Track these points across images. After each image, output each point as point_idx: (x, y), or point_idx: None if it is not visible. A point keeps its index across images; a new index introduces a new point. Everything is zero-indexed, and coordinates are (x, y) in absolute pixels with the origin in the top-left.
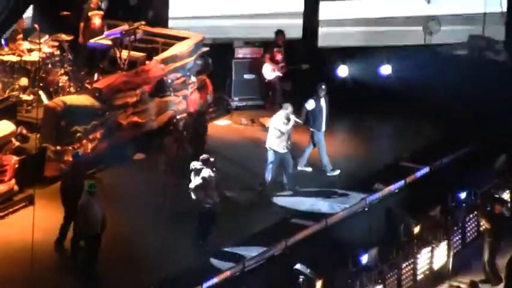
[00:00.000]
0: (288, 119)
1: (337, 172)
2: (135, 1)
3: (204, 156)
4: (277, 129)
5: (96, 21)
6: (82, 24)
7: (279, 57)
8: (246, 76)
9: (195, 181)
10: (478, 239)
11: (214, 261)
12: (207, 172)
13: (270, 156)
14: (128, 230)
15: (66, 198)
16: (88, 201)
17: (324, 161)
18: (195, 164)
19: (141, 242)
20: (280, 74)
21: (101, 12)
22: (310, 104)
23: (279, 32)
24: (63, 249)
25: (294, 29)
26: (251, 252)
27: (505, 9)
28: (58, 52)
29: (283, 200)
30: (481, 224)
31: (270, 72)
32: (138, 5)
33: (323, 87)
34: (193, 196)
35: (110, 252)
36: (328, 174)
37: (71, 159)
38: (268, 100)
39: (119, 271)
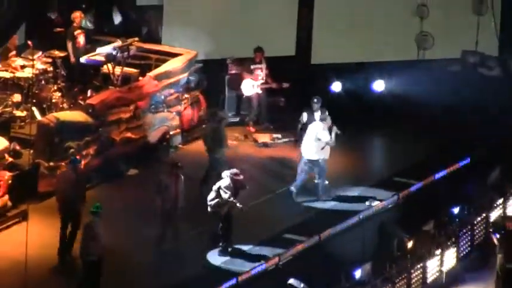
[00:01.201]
0: (330, 129)
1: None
2: (119, 19)
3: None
4: (319, 138)
5: (81, 39)
6: (70, 44)
7: (258, 73)
8: (240, 92)
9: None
10: (472, 253)
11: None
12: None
13: (304, 166)
14: (121, 245)
15: (62, 205)
16: (93, 222)
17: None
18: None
19: (134, 257)
20: (259, 91)
21: (84, 31)
22: (303, 117)
23: (258, 49)
24: (60, 264)
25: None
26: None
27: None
28: (51, 68)
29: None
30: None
31: (250, 88)
32: (132, 22)
33: (315, 100)
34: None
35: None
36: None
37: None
38: (250, 117)
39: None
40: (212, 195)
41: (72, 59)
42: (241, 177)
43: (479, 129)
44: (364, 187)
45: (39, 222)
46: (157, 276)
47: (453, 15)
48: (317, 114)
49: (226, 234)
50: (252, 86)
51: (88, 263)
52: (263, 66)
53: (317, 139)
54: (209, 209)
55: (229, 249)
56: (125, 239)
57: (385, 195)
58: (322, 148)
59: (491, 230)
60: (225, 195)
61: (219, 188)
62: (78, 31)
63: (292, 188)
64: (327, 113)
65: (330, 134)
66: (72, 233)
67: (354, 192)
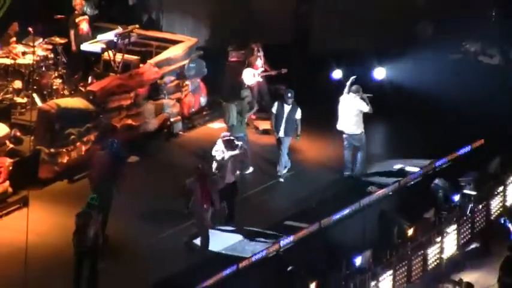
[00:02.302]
0: (364, 99)
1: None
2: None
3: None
4: (360, 110)
5: (84, 26)
6: (72, 31)
7: (258, 62)
8: (240, 79)
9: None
10: (472, 241)
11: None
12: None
13: (346, 142)
14: (122, 233)
15: (96, 185)
16: (87, 213)
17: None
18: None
19: (135, 245)
20: (260, 79)
21: (86, 17)
22: (274, 108)
23: (256, 38)
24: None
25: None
26: None
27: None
28: (52, 55)
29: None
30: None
31: (250, 77)
32: (132, 9)
33: (289, 94)
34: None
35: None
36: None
37: (64, 161)
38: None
39: (115, 273)
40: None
41: (74, 47)
42: (232, 138)
43: (479, 117)
44: (364, 175)
45: (39, 209)
46: (157, 264)
47: (453, 2)
48: (287, 107)
49: (228, 213)
50: (252, 75)
51: (81, 253)
52: (261, 54)
53: (359, 112)
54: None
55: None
56: (125, 227)
57: (385, 182)
58: (360, 121)
59: (503, 217)
60: (215, 152)
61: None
62: (80, 18)
63: (346, 172)
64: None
65: (366, 103)
66: (104, 215)
67: (354, 179)
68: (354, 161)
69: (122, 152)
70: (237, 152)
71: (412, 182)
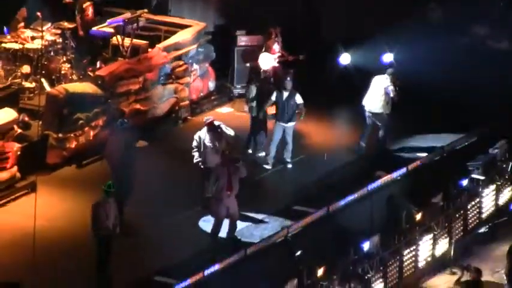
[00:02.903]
0: (395, 84)
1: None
2: None
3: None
4: (387, 92)
5: (90, 11)
6: (79, 17)
7: (276, 47)
8: (248, 64)
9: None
10: (480, 226)
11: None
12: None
13: (369, 120)
14: (131, 218)
15: (114, 168)
16: (104, 200)
17: (269, 152)
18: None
19: (144, 229)
20: (277, 64)
21: (92, 3)
22: (273, 96)
23: (274, 24)
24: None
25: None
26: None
27: None
28: (60, 40)
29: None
30: None
31: (266, 62)
32: None
33: (288, 79)
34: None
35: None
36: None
37: (72, 146)
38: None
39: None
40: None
41: (81, 32)
42: (212, 120)
43: (487, 102)
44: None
45: (47, 194)
46: (166, 249)
47: None
48: (285, 94)
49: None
50: (269, 60)
51: (100, 239)
52: (279, 39)
53: (385, 93)
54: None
55: None
56: (134, 212)
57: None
58: (387, 102)
59: None
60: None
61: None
62: (87, 3)
63: (362, 143)
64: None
65: (395, 89)
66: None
67: (362, 164)
68: (377, 138)
69: (132, 131)
70: (214, 133)
71: (420, 166)
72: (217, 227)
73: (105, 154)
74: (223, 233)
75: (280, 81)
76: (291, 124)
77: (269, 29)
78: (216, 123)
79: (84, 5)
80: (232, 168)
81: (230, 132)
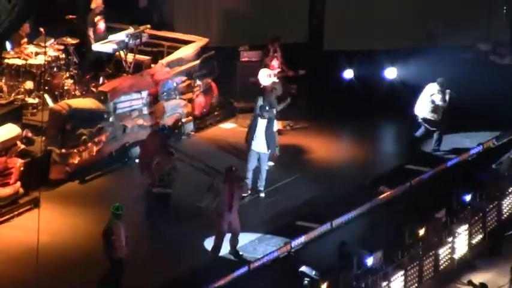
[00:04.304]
0: (445, 94)
1: (262, 195)
2: (144, 3)
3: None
4: (433, 100)
5: (101, 25)
6: (91, 31)
7: (274, 62)
8: (251, 79)
9: None
10: (483, 241)
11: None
12: None
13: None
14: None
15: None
16: (114, 223)
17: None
18: None
19: (147, 244)
20: (276, 80)
21: (103, 17)
22: (251, 121)
23: (275, 38)
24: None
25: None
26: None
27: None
28: (63, 55)
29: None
30: None
31: (265, 77)
32: (144, 9)
33: (266, 108)
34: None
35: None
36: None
37: (75, 162)
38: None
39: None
40: None
41: (93, 46)
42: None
43: (490, 116)
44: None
45: (51, 210)
46: (169, 263)
47: (465, 2)
48: (262, 121)
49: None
50: (268, 75)
51: (113, 261)
52: (278, 54)
53: (431, 100)
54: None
55: None
56: (137, 227)
57: (396, 182)
58: (435, 109)
59: None
60: None
61: None
62: (98, 17)
63: (417, 134)
64: (445, 84)
65: (444, 96)
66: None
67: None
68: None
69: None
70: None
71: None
72: (218, 242)
73: (141, 155)
74: (225, 249)
75: (280, 96)
76: (266, 152)
77: (267, 45)
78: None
79: (96, 19)
80: (236, 185)
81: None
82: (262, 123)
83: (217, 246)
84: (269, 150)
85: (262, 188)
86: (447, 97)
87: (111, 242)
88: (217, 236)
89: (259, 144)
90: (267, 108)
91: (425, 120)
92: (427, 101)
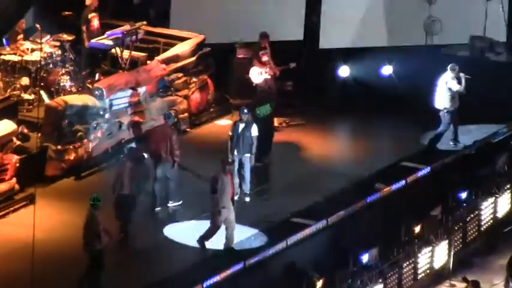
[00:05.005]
0: (460, 79)
1: (247, 199)
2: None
3: None
4: (449, 88)
5: (95, 22)
6: (84, 28)
7: (265, 59)
8: (247, 76)
9: None
10: (479, 239)
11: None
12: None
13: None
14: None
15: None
16: (93, 215)
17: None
18: None
19: (143, 240)
20: (268, 77)
21: (97, 14)
22: (231, 129)
23: (264, 35)
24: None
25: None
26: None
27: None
28: (59, 52)
29: None
30: None
31: (257, 75)
32: (140, 5)
33: (245, 111)
34: None
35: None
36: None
37: (71, 158)
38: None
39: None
40: None
41: (87, 43)
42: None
43: (487, 114)
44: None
45: (46, 206)
46: (165, 260)
47: (461, 0)
48: (241, 126)
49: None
50: (259, 73)
51: (92, 253)
52: (268, 51)
53: (448, 89)
54: None
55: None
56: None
57: (392, 179)
58: (453, 97)
59: None
60: None
61: None
62: (92, 14)
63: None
64: (456, 68)
65: (460, 83)
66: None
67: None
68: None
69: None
70: None
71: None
72: (210, 233)
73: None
74: (222, 243)
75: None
76: (247, 156)
77: (260, 39)
78: None
79: (90, 16)
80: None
81: None
82: (240, 127)
83: (207, 237)
84: (246, 154)
85: (247, 192)
86: (463, 81)
87: (93, 234)
88: (212, 229)
89: (240, 149)
90: (245, 111)
91: (446, 111)
92: (444, 91)
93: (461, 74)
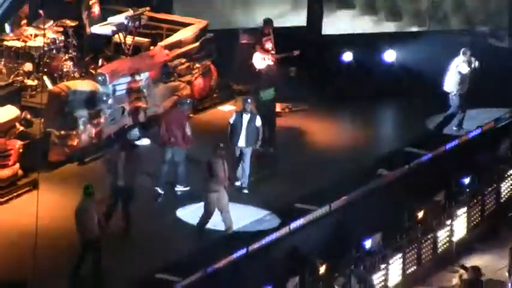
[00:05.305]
0: (470, 63)
1: (246, 191)
2: None
3: None
4: (459, 71)
5: (96, 9)
6: (85, 14)
7: (268, 45)
8: (250, 61)
9: None
10: (482, 224)
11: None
12: None
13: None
14: (134, 214)
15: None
16: (85, 204)
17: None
18: None
19: (148, 226)
20: (271, 63)
21: (98, 0)
22: (232, 118)
23: (267, 21)
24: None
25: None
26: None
27: None
28: (62, 38)
29: None
30: None
31: (260, 61)
32: None
33: (248, 101)
34: None
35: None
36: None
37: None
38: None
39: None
40: None
41: (88, 29)
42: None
43: (489, 99)
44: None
45: (49, 192)
46: (169, 245)
47: None
48: (245, 116)
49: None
50: (262, 59)
51: (86, 242)
52: (271, 37)
53: (458, 72)
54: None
55: None
56: (137, 208)
57: (396, 165)
58: (462, 82)
59: None
60: None
61: None
62: (93, 1)
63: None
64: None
65: (470, 65)
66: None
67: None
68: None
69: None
70: None
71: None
72: (205, 219)
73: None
74: (220, 226)
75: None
76: (249, 148)
77: (263, 25)
78: None
79: (91, 2)
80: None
81: None
82: (245, 118)
83: (204, 223)
84: (250, 146)
85: (245, 185)
86: (473, 65)
87: (83, 223)
88: (207, 214)
89: (242, 140)
90: (249, 101)
91: (454, 94)
92: (454, 74)
93: (473, 59)
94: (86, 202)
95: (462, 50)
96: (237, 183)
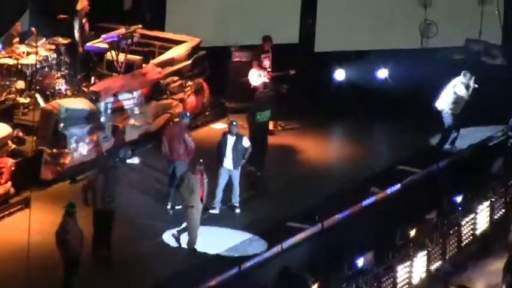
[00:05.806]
0: (468, 86)
1: (238, 210)
2: (129, 5)
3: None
4: (455, 91)
5: (87, 27)
6: (79, 34)
7: (266, 62)
8: (243, 79)
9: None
10: (474, 243)
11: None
12: None
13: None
14: (123, 234)
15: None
16: (67, 222)
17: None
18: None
19: (136, 245)
20: (267, 80)
21: (88, 19)
22: (220, 138)
23: (266, 38)
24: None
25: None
26: None
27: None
28: (55, 55)
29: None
30: None
31: (256, 77)
32: (135, 9)
33: (234, 123)
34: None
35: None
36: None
37: (67, 162)
38: None
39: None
40: None
41: (81, 48)
42: None
43: (482, 117)
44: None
45: (41, 210)
46: (159, 265)
47: (457, 3)
48: (230, 138)
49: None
50: (258, 75)
51: (67, 259)
52: (269, 55)
53: (454, 92)
54: None
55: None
56: (126, 227)
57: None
58: (456, 103)
59: None
60: None
61: None
62: (85, 19)
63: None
64: (468, 75)
65: (467, 87)
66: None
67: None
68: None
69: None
70: None
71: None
72: (194, 237)
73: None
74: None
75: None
76: (237, 169)
77: (263, 42)
78: None
79: (84, 20)
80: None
81: None
82: (231, 140)
83: (195, 239)
84: (237, 168)
85: (237, 204)
86: (470, 88)
87: (64, 241)
88: (193, 230)
89: (229, 161)
90: (234, 123)
91: (446, 112)
92: (449, 93)
93: (471, 82)
94: (66, 221)
95: (463, 72)
96: (212, 211)
